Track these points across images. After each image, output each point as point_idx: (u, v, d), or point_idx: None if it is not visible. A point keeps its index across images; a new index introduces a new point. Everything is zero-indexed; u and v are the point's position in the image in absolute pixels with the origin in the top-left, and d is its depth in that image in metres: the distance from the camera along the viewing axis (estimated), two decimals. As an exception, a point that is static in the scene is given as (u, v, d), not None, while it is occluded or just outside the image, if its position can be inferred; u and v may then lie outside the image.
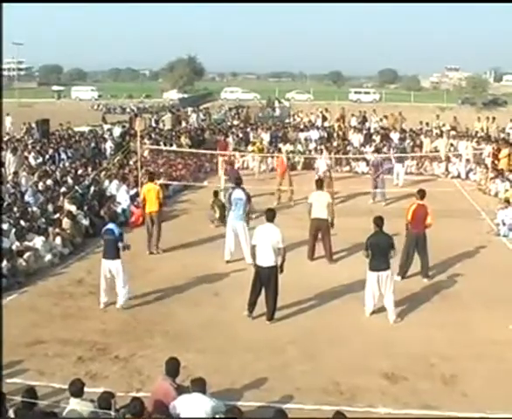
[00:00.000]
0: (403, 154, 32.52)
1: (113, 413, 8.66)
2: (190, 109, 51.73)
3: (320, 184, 19.11)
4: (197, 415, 9.23)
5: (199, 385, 9.56)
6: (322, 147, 34.25)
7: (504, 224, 22.24)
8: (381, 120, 44.58)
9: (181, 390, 9.80)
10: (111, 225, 15.36)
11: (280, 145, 37.38)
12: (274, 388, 11.54)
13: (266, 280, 14.25)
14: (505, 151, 32.63)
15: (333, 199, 19.73)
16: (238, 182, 18.99)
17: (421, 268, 17.50)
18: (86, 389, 9.81)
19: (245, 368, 12.24)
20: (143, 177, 25.71)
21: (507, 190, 26.69)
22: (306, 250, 18.84)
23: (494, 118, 42.59)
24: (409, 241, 17.22)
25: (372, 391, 11.58)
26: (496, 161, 31.94)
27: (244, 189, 18.76)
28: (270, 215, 14.52)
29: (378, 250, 14.36)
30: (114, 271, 15.05)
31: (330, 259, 18.65)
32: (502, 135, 39.08)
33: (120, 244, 15.00)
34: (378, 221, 14.78)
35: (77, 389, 9.58)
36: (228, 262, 18.28)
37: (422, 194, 17.65)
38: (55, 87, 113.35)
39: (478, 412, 10.78)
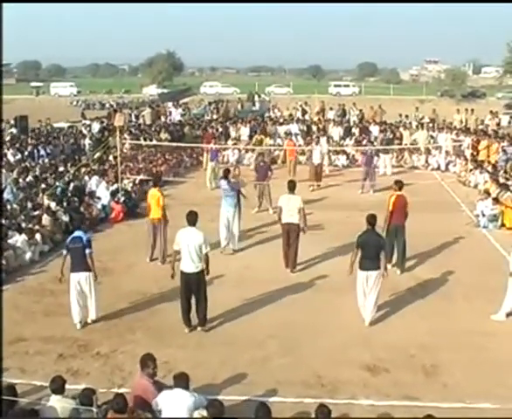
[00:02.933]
0: (384, 147, 32.70)
1: (94, 409, 8.63)
2: (169, 104, 51.53)
3: (292, 187, 17.86)
4: (179, 410, 9.24)
5: (182, 380, 9.55)
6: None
7: (484, 215, 22.36)
8: (361, 111, 44.69)
9: (159, 386, 9.80)
10: (78, 232, 14.27)
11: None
12: (255, 382, 11.55)
13: (193, 286, 13.67)
14: (484, 143, 32.91)
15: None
16: (225, 174, 19.10)
17: (396, 259, 17.50)
18: (67, 386, 9.80)
19: (226, 363, 12.24)
20: (123, 172, 25.70)
21: (486, 182, 26.85)
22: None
23: (472, 110, 42.85)
24: (389, 231, 17.20)
25: (354, 383, 11.61)
26: (475, 153, 32.17)
27: (229, 182, 18.83)
28: (191, 218, 13.72)
29: (368, 250, 13.98)
30: (84, 284, 14.02)
31: (292, 268, 17.50)
32: (481, 127, 39.32)
33: (87, 251, 13.88)
34: (371, 219, 14.31)
35: (58, 386, 9.57)
36: (223, 251, 18.39)
37: (400, 184, 17.67)
38: (34, 83, 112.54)
39: (459, 402, 10.87)
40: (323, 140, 31.51)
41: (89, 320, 14.26)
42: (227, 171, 19.42)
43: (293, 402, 10.80)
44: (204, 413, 9.29)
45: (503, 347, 13.08)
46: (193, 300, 13.84)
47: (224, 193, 18.76)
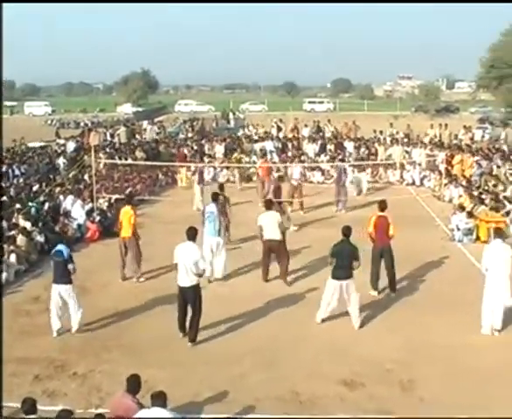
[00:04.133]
0: (359, 163, 32.89)
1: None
2: (144, 122, 51.46)
3: (268, 205, 18.39)
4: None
5: (160, 399, 9.51)
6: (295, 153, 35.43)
7: (458, 229, 22.54)
8: (335, 128, 44.87)
9: (142, 407, 9.76)
10: (60, 246, 14.76)
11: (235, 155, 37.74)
12: (234, 399, 11.54)
13: (189, 300, 13.94)
14: (458, 157, 33.18)
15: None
16: (214, 197, 18.78)
17: (388, 282, 17.23)
18: (45, 408, 9.80)
19: (205, 381, 12.21)
20: (98, 192, 25.63)
21: (460, 196, 27.07)
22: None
23: (446, 125, 43.19)
24: (373, 255, 17.12)
25: (331, 398, 11.66)
26: (450, 168, 32.40)
27: (217, 203, 18.55)
28: (191, 233, 14.07)
29: (341, 259, 14.40)
30: (66, 296, 14.49)
31: (285, 280, 17.83)
32: (455, 142, 39.65)
33: (70, 266, 14.42)
34: (346, 230, 14.90)
35: (29, 407, 9.49)
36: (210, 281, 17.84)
37: (383, 205, 17.58)
38: (8, 103, 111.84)
39: (435, 415, 10.93)
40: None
41: (73, 331, 14.62)
42: (217, 194, 19.22)
43: (271, 419, 10.82)
44: None
45: (478, 359, 13.19)
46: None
47: (208, 217, 18.12)
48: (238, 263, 19.16)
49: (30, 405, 9.53)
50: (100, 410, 10.56)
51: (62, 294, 14.44)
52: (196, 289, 13.92)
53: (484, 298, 14.51)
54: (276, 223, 17.60)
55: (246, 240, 21.38)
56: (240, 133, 47.16)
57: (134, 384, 9.96)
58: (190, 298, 13.93)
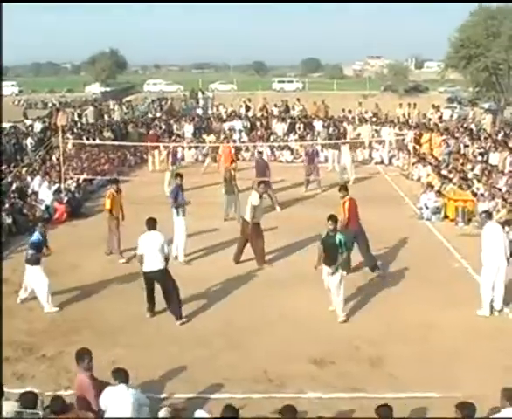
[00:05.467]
0: (327, 141, 32.94)
1: (41, 412, 8.53)
2: (112, 102, 51.05)
3: (259, 185, 18.54)
4: (123, 406, 9.20)
5: (121, 375, 9.53)
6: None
7: (427, 208, 22.72)
8: (303, 107, 44.82)
9: (99, 383, 9.75)
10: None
11: (204, 136, 37.63)
12: (203, 380, 11.54)
13: (160, 283, 14.26)
14: (426, 136, 33.45)
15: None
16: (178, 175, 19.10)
17: (369, 265, 17.24)
18: (14, 390, 9.69)
19: (173, 361, 12.20)
20: (66, 172, 25.47)
21: (429, 175, 27.25)
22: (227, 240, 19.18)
23: (415, 104, 43.31)
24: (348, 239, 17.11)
25: (301, 377, 11.70)
26: (418, 147, 32.61)
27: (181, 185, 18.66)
28: (151, 223, 14.50)
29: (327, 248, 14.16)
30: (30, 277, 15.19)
31: (262, 263, 17.71)
32: (424, 121, 39.83)
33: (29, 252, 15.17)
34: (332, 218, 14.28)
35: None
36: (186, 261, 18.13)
37: (346, 188, 17.72)
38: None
39: (404, 392, 11.02)
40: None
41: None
42: (181, 175, 19.27)
43: (240, 398, 10.82)
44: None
45: (447, 338, 13.32)
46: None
47: (181, 201, 18.25)
48: (208, 242, 19.21)
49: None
50: (69, 392, 10.54)
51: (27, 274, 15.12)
52: (165, 271, 14.22)
53: (484, 279, 14.56)
54: (248, 204, 17.67)
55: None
56: (209, 112, 46.99)
57: (77, 356, 10.07)
58: (160, 280, 14.17)
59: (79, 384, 9.80)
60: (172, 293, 14.19)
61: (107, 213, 18.56)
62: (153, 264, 14.07)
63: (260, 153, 28.29)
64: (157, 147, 32.08)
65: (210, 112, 47.22)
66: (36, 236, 15.18)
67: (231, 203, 22.44)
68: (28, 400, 9.05)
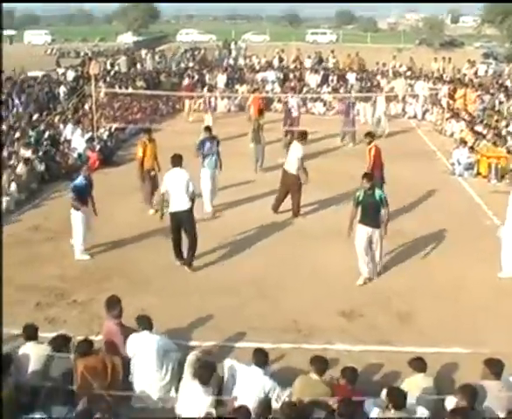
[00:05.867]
0: (362, 94, 32.65)
1: (71, 356, 8.66)
2: (144, 52, 50.86)
3: (302, 136, 18.02)
4: (148, 352, 9.39)
5: (144, 322, 9.65)
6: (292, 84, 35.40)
7: (459, 164, 22.50)
8: (336, 60, 44.41)
9: (127, 329, 9.87)
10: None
11: (237, 86, 37.45)
12: (232, 328, 11.64)
13: (184, 224, 14.15)
14: (461, 91, 33.01)
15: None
16: (210, 131, 18.53)
17: None
18: (45, 334, 9.83)
19: (203, 310, 12.30)
20: (98, 121, 25.54)
21: (462, 130, 26.97)
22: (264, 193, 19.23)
23: (450, 59, 42.69)
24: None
25: (330, 328, 11.74)
26: (452, 102, 32.21)
27: (214, 138, 18.36)
28: (177, 160, 14.24)
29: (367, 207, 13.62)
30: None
31: (297, 214, 17.75)
32: (458, 76, 39.28)
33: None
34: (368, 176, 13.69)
35: (30, 332, 9.60)
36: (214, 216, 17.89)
37: (372, 134, 17.86)
38: (7, 32, 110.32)
39: (432, 347, 11.03)
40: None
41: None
42: (210, 128, 18.96)
43: (269, 348, 10.87)
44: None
45: (476, 295, 13.28)
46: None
47: (207, 152, 17.99)
48: (239, 194, 19.25)
49: (32, 331, 9.64)
50: (100, 337, 10.67)
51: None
52: (190, 213, 14.08)
53: (506, 242, 14.34)
54: (295, 158, 17.45)
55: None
56: (242, 63, 46.74)
57: (107, 304, 10.22)
58: (184, 222, 14.08)
59: (108, 331, 9.93)
60: (194, 240, 14.19)
61: (138, 162, 18.36)
62: (179, 203, 13.92)
63: (286, 103, 28.45)
64: (193, 97, 31.99)
65: (242, 62, 46.97)
66: (79, 179, 14.95)
67: (258, 153, 22.38)
68: (60, 343, 9.19)
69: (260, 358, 9.16)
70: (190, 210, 14.08)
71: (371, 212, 13.49)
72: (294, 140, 18.49)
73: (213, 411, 8.47)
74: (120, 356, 9.50)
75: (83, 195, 14.88)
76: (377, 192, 13.55)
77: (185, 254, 14.36)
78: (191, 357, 9.53)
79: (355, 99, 30.39)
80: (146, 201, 18.28)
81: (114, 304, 10.20)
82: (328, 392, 8.86)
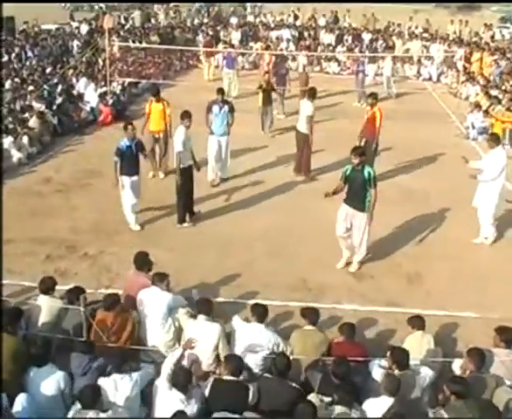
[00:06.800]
0: (374, 54, 32.42)
1: (82, 308, 8.69)
2: (156, 7, 50.49)
3: (311, 93, 17.59)
4: (158, 306, 9.43)
5: (160, 279, 9.67)
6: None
7: (474, 128, 22.36)
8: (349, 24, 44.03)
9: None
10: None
11: (251, 43, 37.24)
12: (242, 285, 11.73)
13: (190, 180, 14.38)
14: (477, 55, 32.68)
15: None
16: (222, 94, 17.29)
17: None
18: (56, 287, 9.86)
19: (213, 266, 12.36)
20: (112, 75, 25.47)
21: (477, 94, 26.75)
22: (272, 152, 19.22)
23: (467, 21, 42.30)
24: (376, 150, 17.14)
25: (339, 288, 11.78)
26: (468, 65, 31.92)
27: (226, 102, 17.29)
28: (185, 116, 14.09)
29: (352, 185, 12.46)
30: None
31: (306, 174, 17.45)
32: (475, 39, 38.91)
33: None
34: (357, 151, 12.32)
35: (47, 287, 9.62)
36: (213, 184, 16.97)
37: (376, 96, 17.54)
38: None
39: (441, 310, 11.05)
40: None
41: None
42: (223, 90, 17.88)
43: (278, 305, 10.94)
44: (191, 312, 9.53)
45: (486, 259, 13.31)
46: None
47: (215, 116, 16.97)
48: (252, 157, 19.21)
49: (48, 286, 9.66)
50: (109, 291, 10.72)
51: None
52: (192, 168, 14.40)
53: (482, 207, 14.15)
54: (305, 116, 17.13)
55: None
56: (257, 20, 46.41)
57: (141, 261, 10.25)
58: (190, 177, 14.36)
59: (140, 286, 9.89)
60: (192, 193, 14.44)
61: (145, 119, 17.63)
62: (190, 158, 14.18)
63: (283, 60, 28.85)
64: (212, 54, 31.75)
65: (257, 19, 46.63)
66: (123, 141, 13.79)
67: (266, 114, 21.90)
68: (74, 294, 9.22)
69: (260, 313, 9.18)
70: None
71: (357, 191, 12.07)
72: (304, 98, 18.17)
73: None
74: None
75: (127, 160, 13.76)
76: (367, 169, 12.06)
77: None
78: (182, 309, 9.58)
79: (364, 59, 30.04)
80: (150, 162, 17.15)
81: (146, 260, 10.32)
82: (326, 339, 9.01)
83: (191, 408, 7.64)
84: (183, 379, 7.81)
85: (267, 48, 32.24)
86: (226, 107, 17.02)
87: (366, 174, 11.92)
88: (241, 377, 8.04)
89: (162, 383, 7.94)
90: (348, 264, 12.76)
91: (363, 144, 16.44)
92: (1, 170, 16.50)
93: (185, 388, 7.75)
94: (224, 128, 16.95)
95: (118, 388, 7.91)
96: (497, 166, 13.52)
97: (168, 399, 7.78)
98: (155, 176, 17.19)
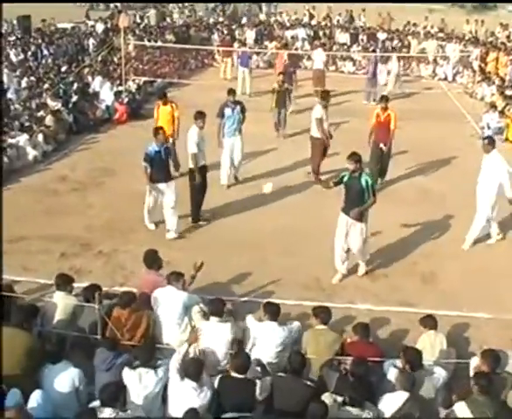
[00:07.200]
0: (389, 54, 32.27)
1: (96, 306, 8.73)
2: (171, 6, 50.48)
3: (323, 96, 17.24)
4: (174, 305, 9.47)
5: (175, 279, 9.70)
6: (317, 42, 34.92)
7: (489, 128, 22.26)
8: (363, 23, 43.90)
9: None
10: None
11: (266, 43, 37.23)
12: (255, 284, 11.74)
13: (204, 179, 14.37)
14: (493, 55, 32.51)
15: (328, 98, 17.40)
16: (233, 95, 16.87)
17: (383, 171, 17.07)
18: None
19: (227, 264, 12.38)
20: (127, 73, 25.56)
21: (493, 94, 26.63)
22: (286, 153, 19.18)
23: (483, 21, 42.14)
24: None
25: (353, 287, 11.80)
26: (484, 65, 31.79)
27: (238, 103, 16.93)
28: (199, 117, 14.03)
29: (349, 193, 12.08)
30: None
31: (314, 176, 16.85)
32: (491, 39, 38.74)
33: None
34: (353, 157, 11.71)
35: (62, 283, 9.66)
36: (229, 187, 16.75)
37: (387, 98, 17.42)
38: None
39: (455, 310, 11.04)
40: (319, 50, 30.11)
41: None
42: (234, 91, 17.37)
43: (292, 305, 10.96)
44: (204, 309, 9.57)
45: (501, 258, 13.27)
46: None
47: (228, 116, 16.61)
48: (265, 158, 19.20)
49: (64, 282, 9.69)
50: (123, 288, 10.76)
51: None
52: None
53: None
54: (314, 118, 16.87)
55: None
56: (272, 19, 46.37)
57: (150, 259, 10.34)
58: (204, 176, 14.37)
59: (153, 284, 9.93)
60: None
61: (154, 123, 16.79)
62: (204, 158, 14.23)
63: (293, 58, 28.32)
64: (230, 54, 31.62)
65: (273, 19, 46.60)
66: (151, 146, 13.35)
67: (279, 117, 21.38)
68: (91, 292, 9.26)
69: (272, 311, 9.23)
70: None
71: (354, 199, 11.63)
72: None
73: None
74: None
75: (155, 166, 13.36)
76: (364, 177, 11.58)
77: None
78: (196, 307, 9.62)
79: (377, 59, 29.74)
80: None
81: (155, 257, 10.41)
82: (339, 338, 9.04)
83: (205, 395, 7.79)
84: (195, 368, 7.94)
85: (285, 46, 32.08)
86: (238, 107, 16.74)
87: (364, 182, 11.49)
88: (250, 374, 8.09)
89: (172, 377, 8.03)
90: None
91: (378, 148, 16.47)
92: (1, 170, 16.56)
93: (197, 376, 7.87)
94: (237, 128, 16.68)
95: (142, 381, 7.97)
96: (495, 170, 13.37)
97: (180, 389, 7.88)
98: None
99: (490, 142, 13.78)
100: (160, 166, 13.37)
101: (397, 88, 28.75)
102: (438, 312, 10.46)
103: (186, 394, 7.76)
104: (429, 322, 9.33)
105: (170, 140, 16.28)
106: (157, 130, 13.56)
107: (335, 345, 8.83)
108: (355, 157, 11.56)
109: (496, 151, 13.69)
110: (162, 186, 13.51)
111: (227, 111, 16.55)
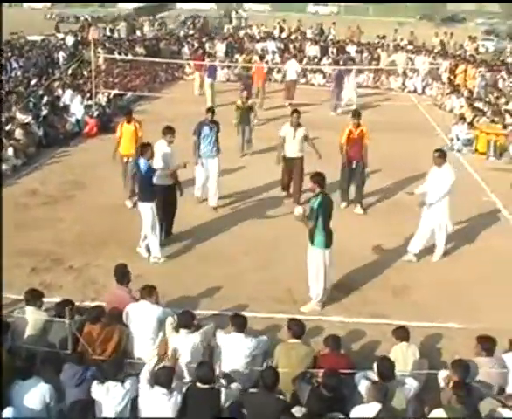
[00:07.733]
0: (360, 67, 32.50)
1: (67, 321, 8.67)
2: (141, 19, 50.54)
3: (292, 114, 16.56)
4: (148, 320, 9.44)
5: (148, 293, 9.66)
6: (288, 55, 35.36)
7: (458, 139, 22.49)
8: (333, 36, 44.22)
9: (135, 299, 9.90)
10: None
11: (237, 56, 37.30)
12: (227, 297, 11.70)
13: (171, 199, 14.05)
14: (462, 67, 32.87)
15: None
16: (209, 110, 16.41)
17: (356, 197, 16.67)
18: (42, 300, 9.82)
19: (199, 277, 12.35)
20: (97, 87, 25.45)
21: (462, 106, 26.91)
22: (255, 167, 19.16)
23: (452, 34, 42.62)
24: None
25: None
26: (453, 77, 32.13)
27: (215, 123, 16.15)
28: (167, 132, 13.86)
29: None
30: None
31: (297, 200, 16.06)
32: (460, 52, 39.16)
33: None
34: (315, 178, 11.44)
35: (32, 298, 9.60)
36: (203, 200, 16.42)
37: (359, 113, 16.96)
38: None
39: (426, 321, 11.14)
40: (292, 61, 30.17)
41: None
42: (212, 110, 16.67)
43: (264, 318, 10.95)
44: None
45: (471, 270, 13.35)
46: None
47: (204, 136, 15.93)
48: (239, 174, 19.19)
49: (34, 297, 9.65)
50: (95, 303, 10.69)
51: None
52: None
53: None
54: (300, 139, 16.33)
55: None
56: (242, 32, 46.55)
57: (120, 274, 10.28)
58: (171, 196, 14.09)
59: (120, 300, 9.87)
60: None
61: (116, 142, 16.37)
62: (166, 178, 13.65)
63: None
64: (202, 67, 30.76)
65: (242, 32, 46.78)
66: (143, 164, 12.83)
67: (243, 137, 20.85)
68: (63, 307, 9.18)
69: (239, 323, 9.26)
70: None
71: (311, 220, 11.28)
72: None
73: None
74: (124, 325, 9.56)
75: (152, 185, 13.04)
76: (314, 200, 11.25)
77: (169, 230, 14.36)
78: (169, 319, 9.58)
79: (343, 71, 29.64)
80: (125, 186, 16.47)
81: (125, 272, 10.34)
82: (311, 351, 9.07)
83: (175, 400, 7.88)
84: (165, 376, 8.02)
85: (261, 59, 32.11)
86: (215, 128, 16.05)
87: (314, 205, 11.18)
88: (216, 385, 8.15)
89: (142, 387, 8.10)
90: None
91: (354, 166, 16.28)
92: (1, 177, 16.41)
93: (168, 383, 7.95)
94: (214, 149, 16.01)
95: (109, 394, 7.97)
96: (446, 183, 13.30)
97: (150, 396, 7.95)
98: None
99: (441, 155, 13.54)
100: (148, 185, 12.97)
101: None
102: (410, 323, 10.50)
103: (156, 401, 7.85)
104: (401, 334, 9.37)
105: (130, 159, 15.79)
106: (150, 150, 12.99)
107: (306, 358, 8.84)
108: (317, 178, 11.32)
109: (448, 164, 13.62)
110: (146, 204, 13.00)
111: (205, 129, 15.89)
